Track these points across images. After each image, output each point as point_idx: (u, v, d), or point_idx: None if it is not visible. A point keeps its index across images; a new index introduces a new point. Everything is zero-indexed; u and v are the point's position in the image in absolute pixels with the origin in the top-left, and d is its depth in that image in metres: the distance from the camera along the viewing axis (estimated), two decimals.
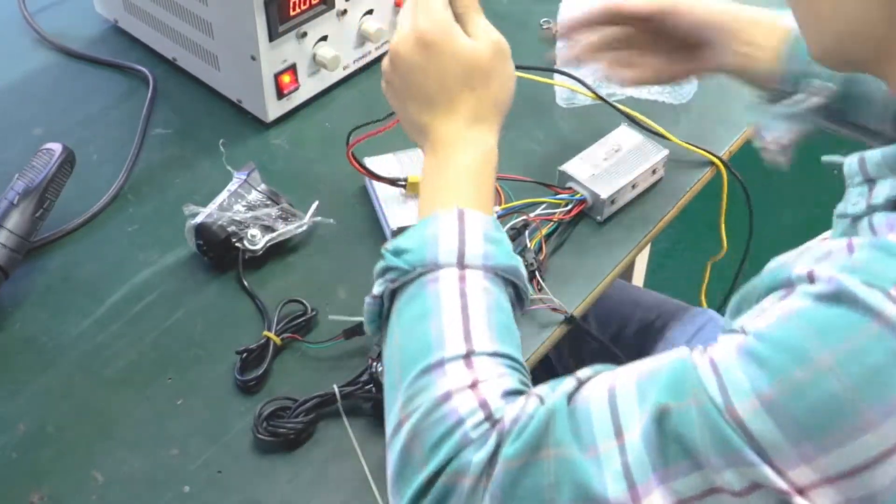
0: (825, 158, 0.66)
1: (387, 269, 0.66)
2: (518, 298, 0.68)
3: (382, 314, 0.67)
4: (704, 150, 1.00)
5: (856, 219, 0.58)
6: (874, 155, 0.58)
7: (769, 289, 0.55)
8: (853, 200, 0.59)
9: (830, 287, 0.49)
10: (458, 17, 0.74)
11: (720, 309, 1.16)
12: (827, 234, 0.66)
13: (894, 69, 0.58)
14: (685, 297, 1.22)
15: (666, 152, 0.97)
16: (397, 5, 1.09)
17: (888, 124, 0.83)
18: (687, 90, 1.08)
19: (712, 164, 1.00)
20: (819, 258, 0.53)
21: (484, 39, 0.73)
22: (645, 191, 0.97)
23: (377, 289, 0.66)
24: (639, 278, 1.63)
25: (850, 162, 0.60)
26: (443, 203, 0.68)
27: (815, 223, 0.78)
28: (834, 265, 0.51)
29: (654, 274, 1.96)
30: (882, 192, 0.56)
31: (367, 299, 0.67)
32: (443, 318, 0.62)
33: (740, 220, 1.06)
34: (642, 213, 0.96)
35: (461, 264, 0.64)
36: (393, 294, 0.66)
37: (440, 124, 0.72)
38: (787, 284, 0.53)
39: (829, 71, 0.82)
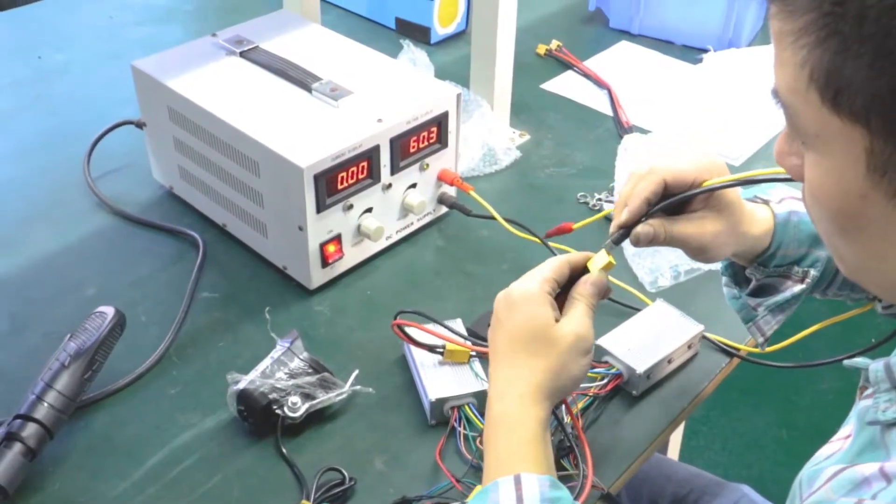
0: (848, 363, 0.66)
1: None
2: None
3: None
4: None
5: (888, 426, 0.57)
6: None
7: None
8: (882, 407, 0.58)
9: None
10: (570, 300, 0.78)
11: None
12: (847, 429, 0.66)
13: None
14: (718, 465, 1.21)
15: (701, 328, 0.98)
16: (440, 179, 1.14)
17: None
18: None
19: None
20: (853, 489, 0.52)
21: (567, 323, 0.76)
22: (681, 366, 0.98)
23: None
24: (674, 450, 1.61)
25: (876, 368, 0.60)
26: (500, 468, 0.71)
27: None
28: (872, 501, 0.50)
29: (688, 440, 1.93)
30: None
31: None
32: None
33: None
34: (678, 389, 0.96)
35: None
36: None
37: (500, 376, 0.76)
38: None
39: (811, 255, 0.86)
